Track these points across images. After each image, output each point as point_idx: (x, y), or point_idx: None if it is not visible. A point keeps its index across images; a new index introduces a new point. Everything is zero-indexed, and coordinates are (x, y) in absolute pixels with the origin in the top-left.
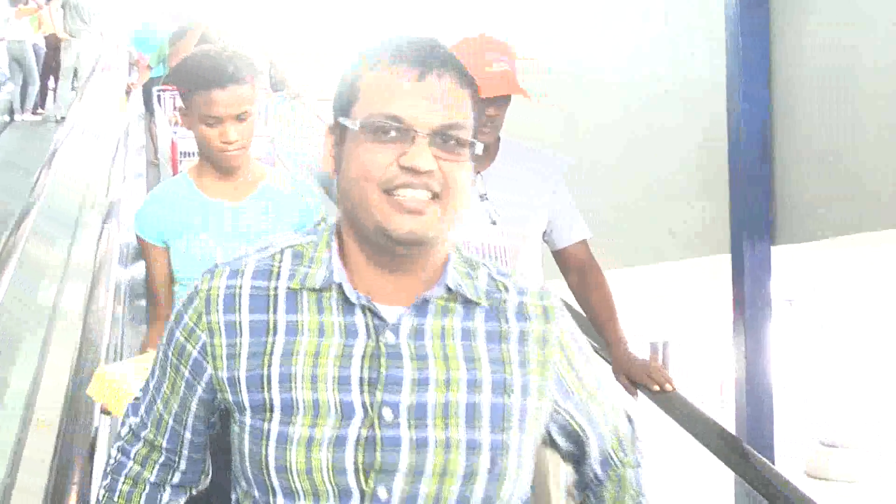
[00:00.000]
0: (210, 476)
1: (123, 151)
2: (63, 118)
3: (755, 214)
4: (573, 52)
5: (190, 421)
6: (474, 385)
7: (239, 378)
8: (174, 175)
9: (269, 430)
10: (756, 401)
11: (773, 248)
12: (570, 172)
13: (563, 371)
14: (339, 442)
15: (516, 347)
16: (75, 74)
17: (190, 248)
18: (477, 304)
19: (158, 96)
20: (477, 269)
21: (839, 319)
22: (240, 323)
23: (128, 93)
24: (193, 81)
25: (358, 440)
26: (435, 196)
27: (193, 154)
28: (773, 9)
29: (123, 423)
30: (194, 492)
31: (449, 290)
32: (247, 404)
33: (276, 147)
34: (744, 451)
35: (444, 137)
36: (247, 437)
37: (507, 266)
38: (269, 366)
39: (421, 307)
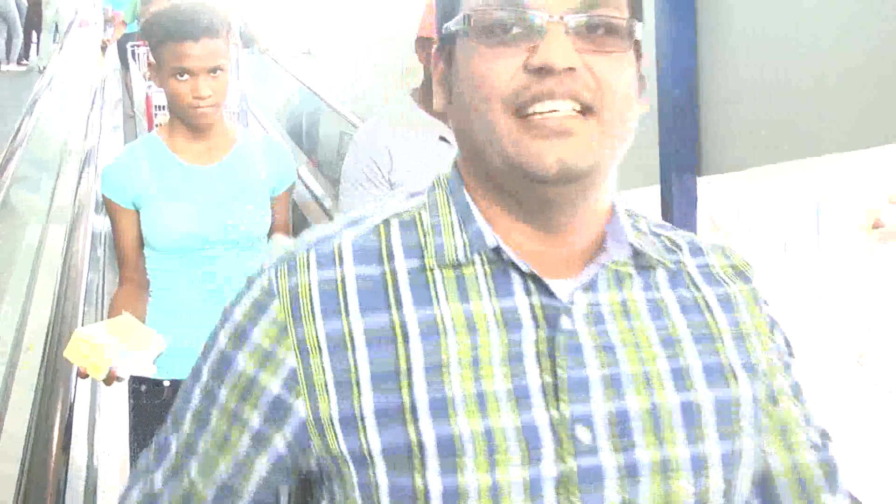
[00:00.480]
0: None
1: (100, 103)
2: (45, 68)
3: (682, 149)
4: None
5: (250, 494)
6: (682, 376)
7: (361, 415)
8: (149, 128)
9: (426, 487)
10: None
11: (698, 179)
12: None
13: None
14: (534, 487)
15: (724, 317)
16: (56, 28)
17: (162, 213)
18: (654, 268)
19: (133, 51)
20: (639, 221)
21: (760, 242)
22: (350, 332)
23: (103, 49)
24: (164, 33)
25: (559, 480)
26: (586, 109)
27: (165, 107)
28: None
29: (128, 495)
30: None
31: (632, 250)
32: (376, 453)
33: (248, 101)
34: None
35: (589, 22)
36: None
37: None
38: (412, 389)
39: (593, 278)
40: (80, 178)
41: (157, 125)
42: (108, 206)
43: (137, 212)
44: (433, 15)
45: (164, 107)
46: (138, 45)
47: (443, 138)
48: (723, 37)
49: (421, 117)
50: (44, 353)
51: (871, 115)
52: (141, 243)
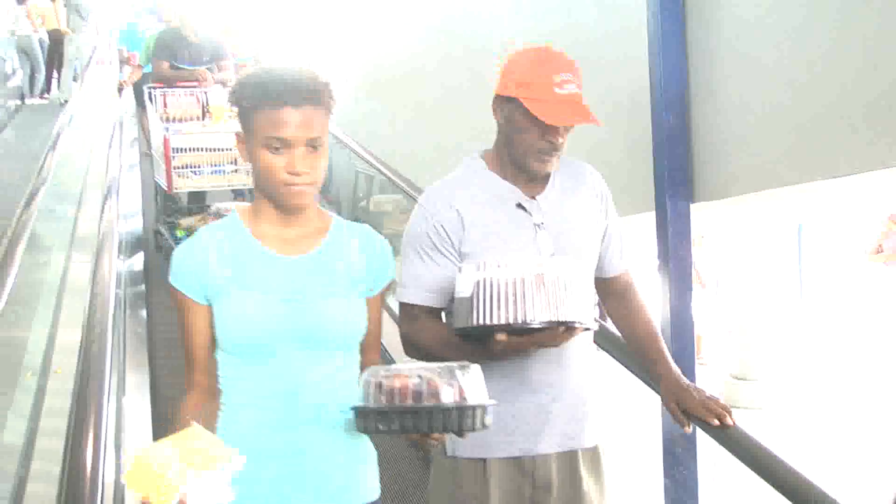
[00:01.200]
0: None
1: (119, 139)
2: (66, 101)
3: (675, 176)
4: (497, 20)
5: None
6: None
7: None
8: (167, 171)
9: None
10: (680, 341)
11: (692, 205)
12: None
13: None
14: None
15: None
16: (76, 66)
17: (239, 309)
18: None
19: (150, 93)
20: None
21: (745, 266)
22: None
23: (120, 90)
24: (259, 97)
25: None
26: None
27: (187, 149)
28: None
29: None
30: None
31: None
32: None
33: None
34: (818, 493)
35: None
36: None
37: (562, 299)
38: None
39: None
40: (102, 209)
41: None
42: (176, 299)
43: (210, 307)
44: (514, 74)
45: (183, 149)
46: (154, 87)
47: (520, 205)
48: (713, 65)
49: (494, 182)
50: (75, 376)
51: (862, 140)
52: (213, 343)
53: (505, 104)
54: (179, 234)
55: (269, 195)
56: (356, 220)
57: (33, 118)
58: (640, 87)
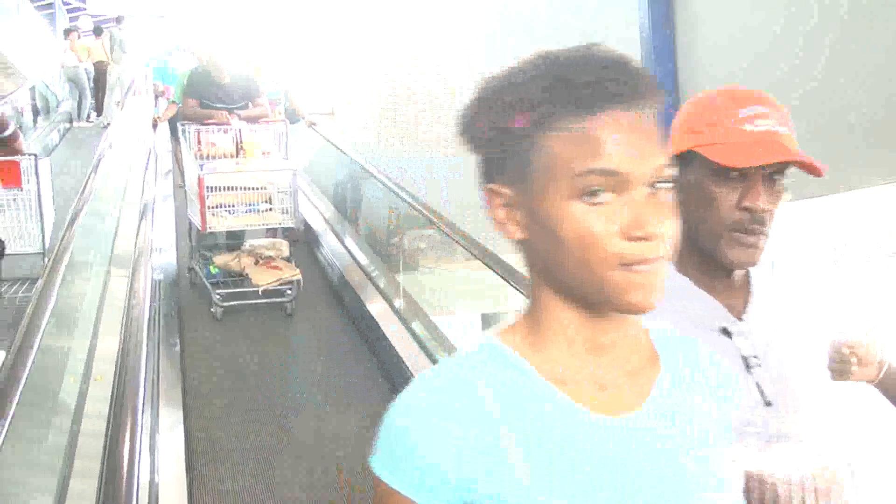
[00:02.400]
0: None
1: (154, 166)
2: (108, 125)
3: None
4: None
5: None
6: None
7: None
8: (201, 210)
9: None
10: None
11: None
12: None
13: None
14: None
15: None
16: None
17: None
18: None
19: (183, 129)
20: None
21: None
22: None
23: (154, 125)
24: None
25: None
26: None
27: (221, 188)
28: (678, 23)
29: None
30: None
31: None
32: None
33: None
34: None
35: None
36: None
37: None
38: None
39: None
40: (138, 228)
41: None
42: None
43: None
44: (687, 123)
45: (217, 187)
46: (187, 124)
47: (725, 331)
48: (701, 78)
49: (686, 294)
50: (113, 383)
51: (860, 156)
52: None
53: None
54: (213, 270)
55: (579, 287)
56: (389, 257)
57: (80, 139)
58: None
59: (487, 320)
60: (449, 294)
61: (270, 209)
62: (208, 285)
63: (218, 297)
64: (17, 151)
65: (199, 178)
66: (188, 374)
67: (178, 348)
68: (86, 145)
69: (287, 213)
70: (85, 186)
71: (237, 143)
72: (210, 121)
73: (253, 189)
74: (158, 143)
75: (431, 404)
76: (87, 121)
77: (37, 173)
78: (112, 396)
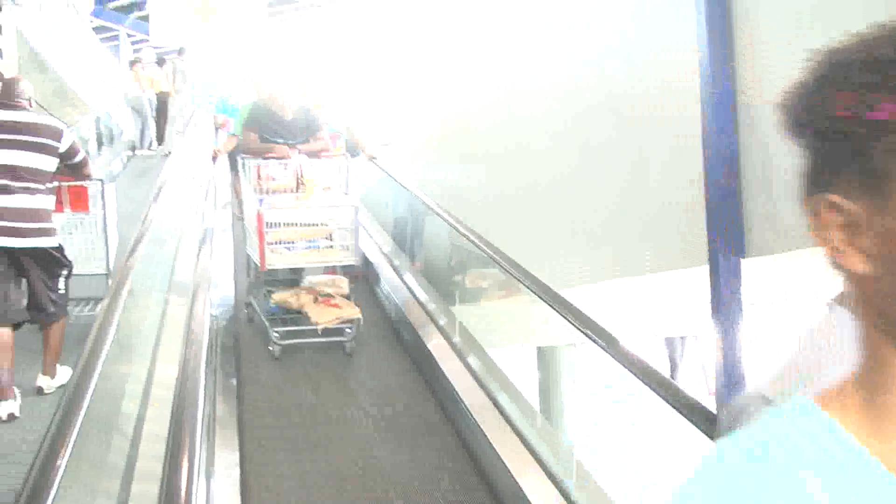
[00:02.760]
0: None
1: (212, 201)
2: (169, 153)
3: (728, 231)
4: (561, 72)
5: None
6: None
7: None
8: (260, 246)
9: None
10: (731, 387)
11: (743, 260)
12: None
13: None
14: None
15: None
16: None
17: None
18: None
19: (243, 162)
20: None
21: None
22: None
23: (214, 158)
24: None
25: None
26: None
27: (280, 224)
28: (738, 57)
29: None
30: None
31: None
32: None
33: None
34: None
35: None
36: None
37: None
38: None
39: None
40: (198, 256)
41: None
42: None
43: None
44: None
45: (275, 224)
46: (247, 157)
47: None
48: (763, 121)
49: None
50: (172, 409)
51: None
52: None
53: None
54: (271, 305)
55: None
56: (451, 295)
57: (142, 168)
58: (693, 145)
59: (543, 354)
60: (505, 327)
61: (331, 246)
62: (266, 322)
63: (276, 335)
64: (85, 177)
65: (257, 214)
66: (245, 413)
67: (235, 385)
68: (147, 173)
69: (348, 250)
70: (146, 215)
71: (297, 177)
72: (270, 155)
73: (313, 225)
74: (217, 176)
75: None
76: (149, 149)
77: (103, 198)
78: (170, 424)
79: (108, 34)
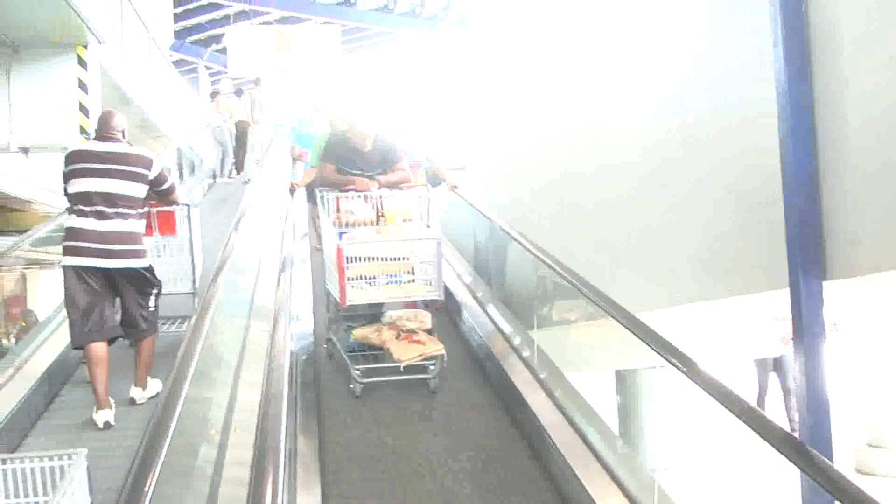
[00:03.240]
0: None
1: (291, 233)
2: (248, 181)
3: (807, 253)
4: (642, 99)
5: None
6: None
7: None
8: (340, 282)
9: None
10: (816, 416)
11: (824, 283)
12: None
13: None
14: None
15: None
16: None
17: None
18: None
19: (321, 195)
20: None
21: (881, 342)
22: None
23: (292, 191)
24: None
25: None
26: None
27: (361, 259)
28: (816, 75)
29: None
30: None
31: None
32: None
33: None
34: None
35: None
36: None
37: None
38: None
39: None
40: (278, 281)
41: None
42: None
43: None
44: None
45: (355, 258)
46: (327, 190)
47: None
48: (842, 147)
49: None
50: (256, 433)
51: None
52: None
53: None
54: (353, 340)
55: None
56: (535, 326)
57: (222, 196)
58: (772, 172)
59: (622, 377)
60: (589, 355)
61: (413, 280)
62: (347, 359)
63: (357, 372)
64: (173, 203)
65: (337, 249)
66: (326, 459)
67: (315, 427)
68: (228, 200)
69: (430, 284)
70: (227, 242)
71: (377, 209)
72: (349, 187)
73: (394, 259)
74: (295, 209)
75: None
76: (229, 177)
77: (189, 222)
78: (255, 445)
79: (188, 67)
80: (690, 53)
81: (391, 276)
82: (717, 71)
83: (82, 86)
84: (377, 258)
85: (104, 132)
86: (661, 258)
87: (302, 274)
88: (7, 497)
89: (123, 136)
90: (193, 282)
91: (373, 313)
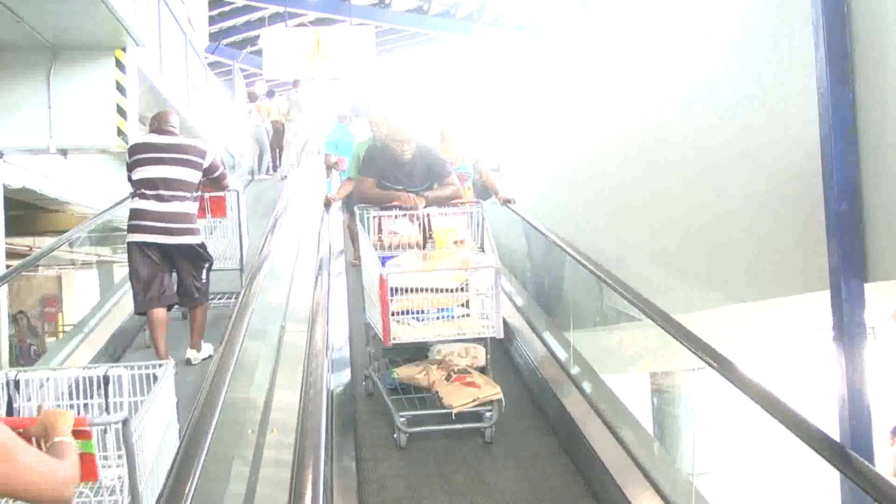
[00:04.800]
0: None
1: (327, 242)
2: (285, 177)
3: (849, 256)
4: (682, 115)
5: None
6: None
7: None
8: (383, 315)
9: None
10: (857, 419)
11: (865, 285)
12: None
13: None
14: None
15: None
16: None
17: None
18: None
19: (361, 213)
20: None
21: None
22: None
23: (327, 206)
24: None
25: None
26: None
27: (406, 290)
28: (858, 76)
29: None
30: None
31: None
32: None
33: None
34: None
35: None
36: None
37: None
38: None
39: None
40: (315, 283)
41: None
42: None
43: None
44: None
45: (401, 289)
46: (367, 208)
47: None
48: (885, 151)
49: None
50: (296, 436)
51: None
52: None
53: None
54: (394, 377)
55: None
56: (600, 359)
57: (260, 191)
58: (813, 175)
59: (656, 379)
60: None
61: (467, 314)
62: (390, 404)
63: (402, 420)
64: (223, 188)
65: (380, 279)
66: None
67: (355, 485)
68: (265, 195)
69: (487, 319)
70: (263, 246)
71: (425, 230)
72: (393, 203)
73: (446, 291)
74: (329, 225)
75: None
76: (267, 174)
77: (238, 206)
78: (294, 448)
79: (223, 69)
80: (741, 66)
81: (442, 309)
82: (769, 78)
83: (120, 88)
84: (427, 289)
85: (162, 126)
86: (713, 263)
87: (337, 299)
88: (112, 396)
89: (178, 130)
90: (242, 259)
91: (419, 346)
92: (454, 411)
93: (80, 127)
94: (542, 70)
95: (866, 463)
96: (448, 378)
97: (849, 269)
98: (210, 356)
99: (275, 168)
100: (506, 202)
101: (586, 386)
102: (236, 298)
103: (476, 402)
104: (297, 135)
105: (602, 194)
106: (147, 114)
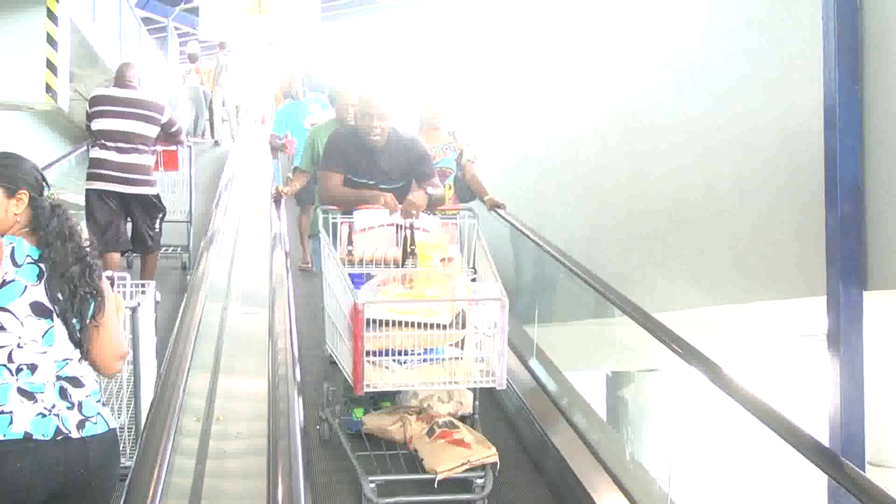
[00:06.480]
0: None
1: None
2: (217, 142)
3: (848, 262)
4: (673, 98)
5: None
6: None
7: None
8: (355, 356)
9: None
10: (851, 427)
11: (865, 292)
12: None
13: None
14: None
15: None
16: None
17: None
18: None
19: (325, 218)
20: None
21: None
22: None
23: (277, 202)
24: None
25: None
26: None
27: (385, 324)
28: (866, 80)
29: None
30: None
31: None
32: None
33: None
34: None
35: None
36: None
37: None
38: None
39: None
40: (270, 261)
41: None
42: None
43: None
44: None
45: (381, 322)
46: (330, 211)
47: None
48: (891, 150)
49: None
50: (268, 424)
51: None
52: None
53: None
54: (357, 416)
55: None
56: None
57: (195, 153)
58: (813, 178)
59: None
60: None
61: (460, 357)
62: (355, 463)
63: (372, 487)
64: (179, 143)
65: (354, 308)
66: None
67: None
68: (201, 156)
69: (484, 362)
70: (208, 228)
71: (406, 244)
72: (365, 206)
73: (435, 325)
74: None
75: None
76: (202, 137)
77: (190, 160)
78: (268, 436)
79: (155, 26)
80: (742, 50)
81: (428, 349)
82: (773, 70)
83: (51, 41)
84: (410, 324)
85: (122, 80)
86: (699, 258)
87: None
88: None
89: (139, 84)
90: (190, 211)
91: (391, 392)
92: (438, 478)
93: (6, 81)
94: (509, 37)
95: (861, 472)
96: (430, 433)
97: (848, 275)
98: (158, 302)
99: (212, 132)
100: (494, 207)
101: (573, 416)
102: (182, 251)
103: (466, 466)
104: (226, 102)
105: (577, 178)
106: (76, 70)
